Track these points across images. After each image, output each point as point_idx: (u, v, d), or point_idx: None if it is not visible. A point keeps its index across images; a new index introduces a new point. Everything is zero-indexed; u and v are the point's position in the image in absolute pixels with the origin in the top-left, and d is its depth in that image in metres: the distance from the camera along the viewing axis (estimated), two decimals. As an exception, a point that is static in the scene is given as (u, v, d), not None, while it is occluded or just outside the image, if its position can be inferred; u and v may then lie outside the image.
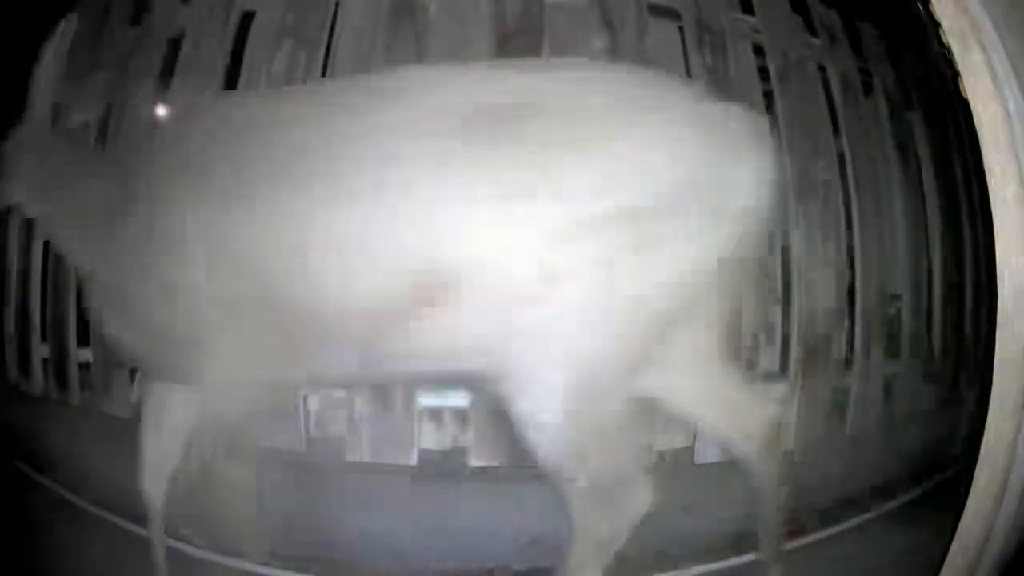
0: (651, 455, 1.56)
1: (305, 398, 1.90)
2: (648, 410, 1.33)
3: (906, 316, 2.25)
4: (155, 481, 1.53)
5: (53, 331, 2.01)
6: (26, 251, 2.00)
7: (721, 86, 2.04)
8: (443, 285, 1.18)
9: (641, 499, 1.29)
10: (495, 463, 1.87)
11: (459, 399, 1.87)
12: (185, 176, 1.33)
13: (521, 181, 1.18)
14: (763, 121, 1.33)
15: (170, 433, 1.50)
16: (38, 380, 1.98)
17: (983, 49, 1.26)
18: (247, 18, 1.98)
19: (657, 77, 1.42)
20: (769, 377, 2.05)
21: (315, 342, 1.26)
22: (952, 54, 1.29)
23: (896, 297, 2.25)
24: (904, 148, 2.30)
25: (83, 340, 1.98)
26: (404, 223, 1.20)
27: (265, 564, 1.66)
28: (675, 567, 1.81)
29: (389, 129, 1.23)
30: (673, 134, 1.23)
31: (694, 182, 1.21)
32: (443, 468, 1.66)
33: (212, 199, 1.29)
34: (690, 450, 1.97)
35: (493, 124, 1.19)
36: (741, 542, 1.88)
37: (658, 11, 2.03)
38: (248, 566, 1.74)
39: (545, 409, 1.21)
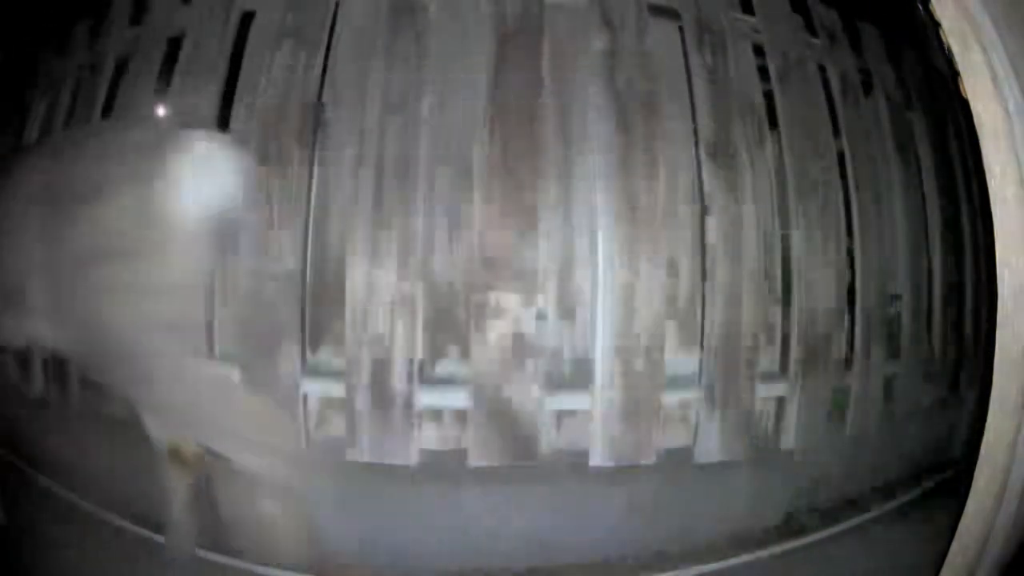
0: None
1: (305, 398, 1.90)
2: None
3: (906, 316, 2.24)
4: None
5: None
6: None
7: (721, 86, 2.05)
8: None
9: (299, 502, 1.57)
10: (495, 463, 1.87)
11: (459, 399, 1.87)
12: None
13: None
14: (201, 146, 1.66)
15: None
16: (38, 381, 1.98)
17: (983, 49, 1.26)
18: (247, 18, 1.98)
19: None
20: (769, 377, 2.05)
21: None
22: (952, 54, 1.29)
23: (896, 297, 2.24)
24: (904, 148, 2.29)
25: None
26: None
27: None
28: (675, 567, 1.81)
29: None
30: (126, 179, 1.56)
31: (141, 212, 1.51)
32: (443, 468, 1.66)
33: None
34: (690, 450, 1.97)
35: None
36: (741, 542, 1.89)
37: (658, 11, 2.03)
38: (248, 566, 1.74)
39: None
